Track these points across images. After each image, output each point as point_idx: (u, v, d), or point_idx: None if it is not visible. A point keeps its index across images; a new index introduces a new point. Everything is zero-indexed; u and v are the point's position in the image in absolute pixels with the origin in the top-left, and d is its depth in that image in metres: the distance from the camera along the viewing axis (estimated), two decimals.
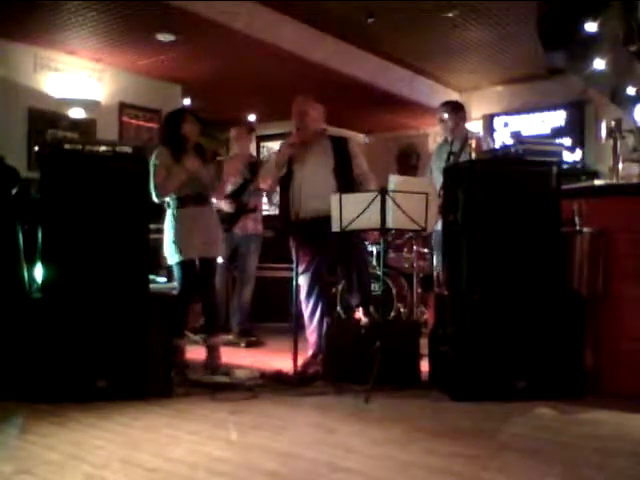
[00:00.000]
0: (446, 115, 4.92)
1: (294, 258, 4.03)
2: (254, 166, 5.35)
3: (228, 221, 5.12)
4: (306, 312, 4.22)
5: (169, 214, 4.13)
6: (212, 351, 4.19)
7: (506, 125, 8.72)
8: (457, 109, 4.98)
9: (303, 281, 4.19)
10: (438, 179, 4.40)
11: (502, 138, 8.40)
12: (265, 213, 5.88)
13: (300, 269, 4.10)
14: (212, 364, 4.12)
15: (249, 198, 5.31)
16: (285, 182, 4.20)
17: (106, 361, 3.37)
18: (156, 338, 3.47)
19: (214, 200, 4.52)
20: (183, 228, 4.07)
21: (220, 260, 4.37)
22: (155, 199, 4.06)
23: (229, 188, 5.16)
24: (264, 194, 5.55)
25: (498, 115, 8.77)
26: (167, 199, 4.11)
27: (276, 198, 4.94)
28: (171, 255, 4.10)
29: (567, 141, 7.99)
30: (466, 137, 4.65)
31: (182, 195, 4.08)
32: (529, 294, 3.48)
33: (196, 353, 4.30)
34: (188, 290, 4.14)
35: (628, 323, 3.52)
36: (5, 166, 3.92)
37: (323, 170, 4.15)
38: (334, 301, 5.83)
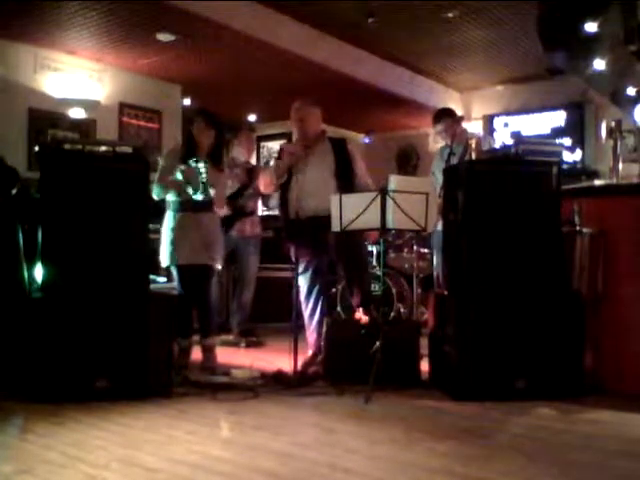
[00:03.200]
0: (439, 127, 4.98)
1: (293, 258, 4.03)
2: (251, 171, 5.38)
3: (225, 224, 5.12)
4: (306, 312, 4.21)
5: (168, 215, 4.12)
6: (207, 352, 4.19)
7: (506, 125, 8.71)
8: (452, 115, 5.03)
9: (303, 281, 4.19)
10: (439, 181, 4.40)
11: (502, 138, 8.40)
12: (265, 214, 5.88)
13: (299, 269, 4.10)
14: (208, 365, 4.12)
15: (246, 202, 5.32)
16: (285, 184, 4.21)
17: (106, 361, 3.36)
18: (156, 338, 3.47)
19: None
20: (178, 232, 4.05)
21: (218, 267, 4.34)
22: (154, 196, 4.08)
23: (227, 192, 5.15)
24: (260, 197, 5.57)
25: (498, 115, 8.76)
26: (168, 199, 4.12)
27: (272, 202, 4.97)
28: (165, 257, 4.11)
29: (567, 141, 7.99)
30: (467, 139, 4.67)
31: (183, 199, 4.07)
32: (529, 294, 3.47)
33: (194, 354, 4.30)
34: (187, 292, 4.14)
35: (628, 323, 3.52)
36: (5, 166, 3.92)
37: (324, 172, 4.17)
38: (334, 301, 5.82)
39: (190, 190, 3.97)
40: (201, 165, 3.96)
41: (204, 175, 3.95)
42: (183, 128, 7.12)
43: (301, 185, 4.04)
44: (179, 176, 3.98)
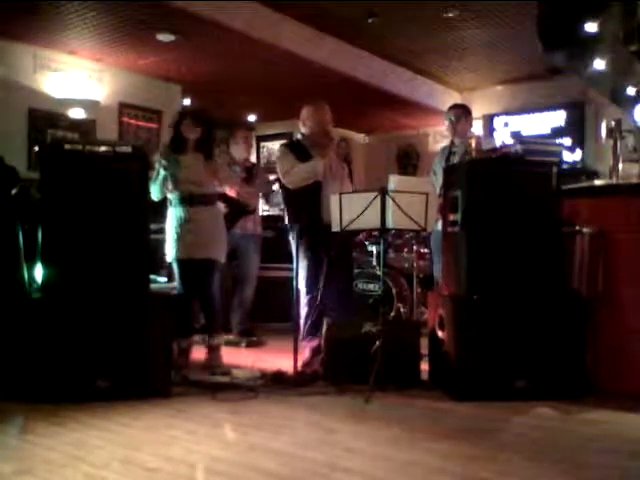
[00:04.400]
0: (450, 114, 4.98)
1: (309, 267, 4.09)
2: (250, 169, 5.39)
3: (228, 221, 5.14)
4: (308, 322, 4.15)
5: (170, 212, 4.16)
6: (213, 351, 4.20)
7: (506, 125, 8.72)
8: (467, 113, 5.04)
9: (307, 292, 4.18)
10: (440, 179, 4.41)
11: (502, 138, 8.40)
12: (266, 214, 5.88)
13: (308, 275, 4.14)
14: (213, 364, 4.13)
15: (249, 200, 5.32)
16: (312, 186, 4.16)
17: (106, 361, 3.36)
18: (156, 338, 3.47)
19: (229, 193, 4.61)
20: (180, 227, 4.10)
21: (221, 260, 4.36)
22: (154, 197, 4.13)
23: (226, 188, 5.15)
24: (260, 195, 5.57)
25: (498, 115, 8.77)
26: (170, 197, 4.14)
27: (276, 198, 4.99)
28: (170, 252, 4.14)
29: (567, 141, 7.99)
30: (468, 138, 4.68)
31: (183, 195, 4.10)
32: (529, 294, 3.48)
33: (196, 353, 4.30)
34: (187, 289, 4.16)
35: (628, 323, 3.52)
36: (5, 166, 3.92)
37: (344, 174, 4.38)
38: None
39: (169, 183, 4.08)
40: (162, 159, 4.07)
41: (165, 165, 4.05)
42: None
43: (337, 188, 4.09)
44: (162, 171, 4.07)
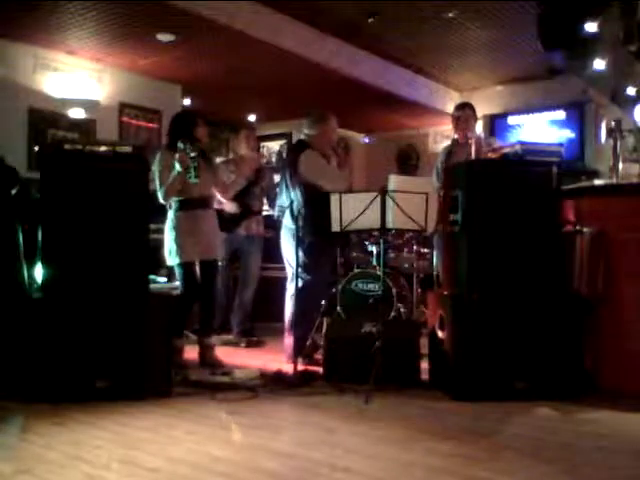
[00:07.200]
0: (457, 113, 5.00)
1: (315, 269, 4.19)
2: (258, 170, 5.39)
3: (233, 222, 5.14)
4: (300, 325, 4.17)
5: (171, 215, 4.15)
6: (206, 350, 4.22)
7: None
8: (471, 111, 5.06)
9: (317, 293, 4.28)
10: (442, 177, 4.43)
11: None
12: (265, 213, 5.88)
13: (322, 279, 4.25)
14: (207, 362, 4.15)
15: (252, 200, 5.33)
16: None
17: (106, 361, 3.37)
18: (156, 338, 3.47)
19: (221, 199, 4.62)
20: (184, 230, 4.10)
21: (220, 262, 4.40)
22: (162, 201, 4.11)
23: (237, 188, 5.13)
24: (265, 196, 5.57)
25: (498, 115, 8.76)
26: (170, 200, 4.15)
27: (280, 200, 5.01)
28: (172, 256, 4.14)
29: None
30: (468, 138, 4.70)
31: (185, 198, 4.10)
32: (529, 294, 3.48)
33: (195, 353, 4.30)
34: (191, 291, 4.17)
35: (628, 323, 3.52)
36: (5, 166, 3.92)
37: None
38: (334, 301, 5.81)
39: (188, 176, 3.98)
40: (189, 148, 3.99)
41: (193, 156, 3.97)
42: None
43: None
44: (178, 167, 3.98)
